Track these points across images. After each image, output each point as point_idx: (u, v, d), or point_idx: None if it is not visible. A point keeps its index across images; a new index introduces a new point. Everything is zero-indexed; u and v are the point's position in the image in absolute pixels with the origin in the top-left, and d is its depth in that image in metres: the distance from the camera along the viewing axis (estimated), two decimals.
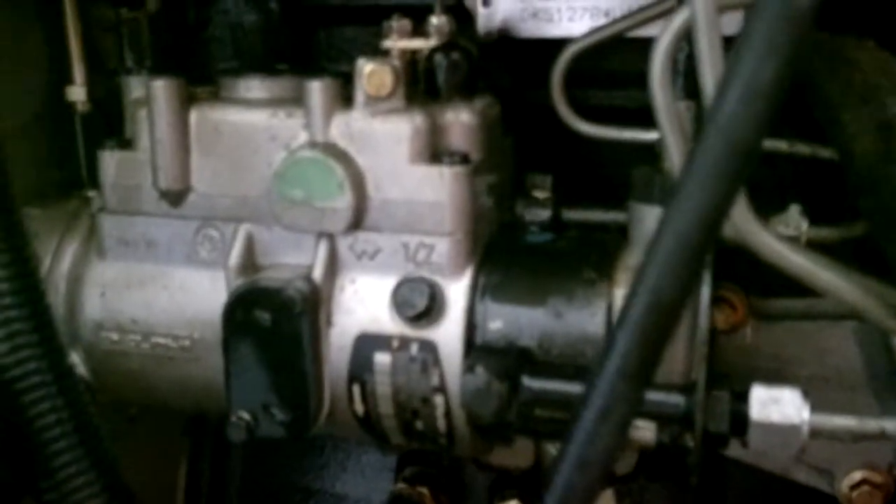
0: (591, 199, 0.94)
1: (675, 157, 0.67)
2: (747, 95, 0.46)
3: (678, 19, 0.62)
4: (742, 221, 0.59)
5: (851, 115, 0.69)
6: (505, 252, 0.84)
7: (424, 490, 1.12)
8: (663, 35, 0.62)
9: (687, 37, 0.66)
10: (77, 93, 0.99)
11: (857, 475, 0.93)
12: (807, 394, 0.70)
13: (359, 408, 0.83)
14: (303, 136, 0.82)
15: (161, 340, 0.89)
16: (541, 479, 1.01)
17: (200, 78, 0.94)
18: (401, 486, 1.14)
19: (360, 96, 0.80)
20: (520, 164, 0.97)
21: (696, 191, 0.49)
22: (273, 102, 0.85)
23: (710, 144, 0.48)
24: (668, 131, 0.66)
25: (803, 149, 0.92)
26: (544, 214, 0.91)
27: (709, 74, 0.54)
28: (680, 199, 0.49)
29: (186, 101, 0.85)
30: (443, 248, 0.80)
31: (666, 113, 0.64)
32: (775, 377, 0.99)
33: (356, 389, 0.83)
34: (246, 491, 1.35)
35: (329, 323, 0.83)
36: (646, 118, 0.93)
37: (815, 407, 0.71)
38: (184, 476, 1.25)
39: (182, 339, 0.89)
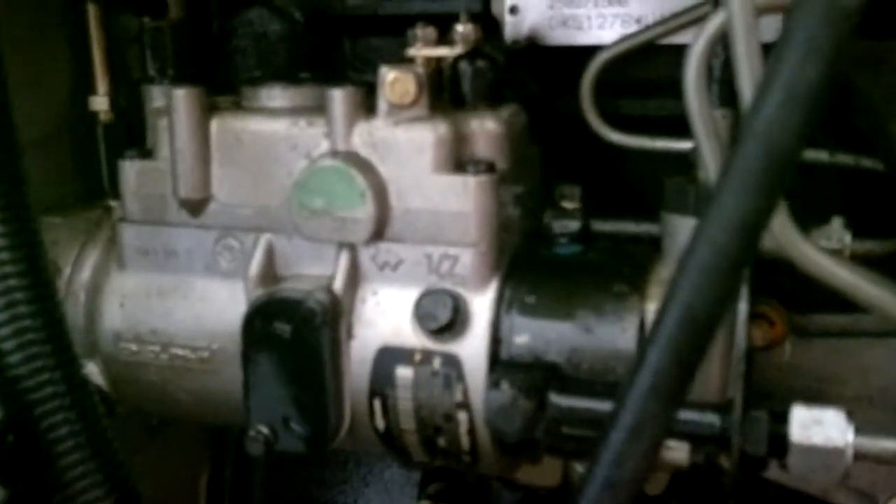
0: (621, 211, 0.91)
1: (710, 166, 0.64)
2: (787, 99, 0.43)
3: (713, 23, 0.59)
4: (782, 233, 0.56)
5: None
6: (532, 264, 0.82)
7: None
8: (698, 40, 0.60)
9: (723, 42, 0.63)
10: (100, 102, 0.98)
11: None
12: (851, 415, 0.66)
13: (380, 423, 0.81)
14: (324, 145, 0.80)
15: (180, 352, 0.88)
16: (569, 500, 0.98)
17: (224, 88, 0.93)
18: (424, 502, 1.12)
19: (382, 104, 0.78)
20: (548, 174, 0.94)
21: (734, 199, 0.46)
22: (294, 111, 0.83)
23: (749, 151, 0.45)
24: (704, 139, 0.63)
25: (845, 159, 0.88)
26: (573, 226, 0.88)
27: (746, 79, 0.51)
28: (716, 208, 0.47)
29: (207, 110, 0.84)
30: (467, 259, 0.78)
31: (701, 120, 0.61)
32: (816, 397, 0.95)
33: (377, 404, 0.81)
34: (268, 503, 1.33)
35: (350, 335, 0.81)
36: (678, 128, 0.91)
37: (860, 428, 0.68)
38: (205, 488, 1.24)
39: (201, 350, 0.87)
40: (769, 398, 0.70)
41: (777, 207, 0.47)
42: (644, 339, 0.74)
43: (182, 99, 0.82)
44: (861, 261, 0.82)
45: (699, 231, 0.48)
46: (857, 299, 0.57)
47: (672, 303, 0.50)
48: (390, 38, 1.09)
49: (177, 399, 0.90)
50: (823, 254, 0.56)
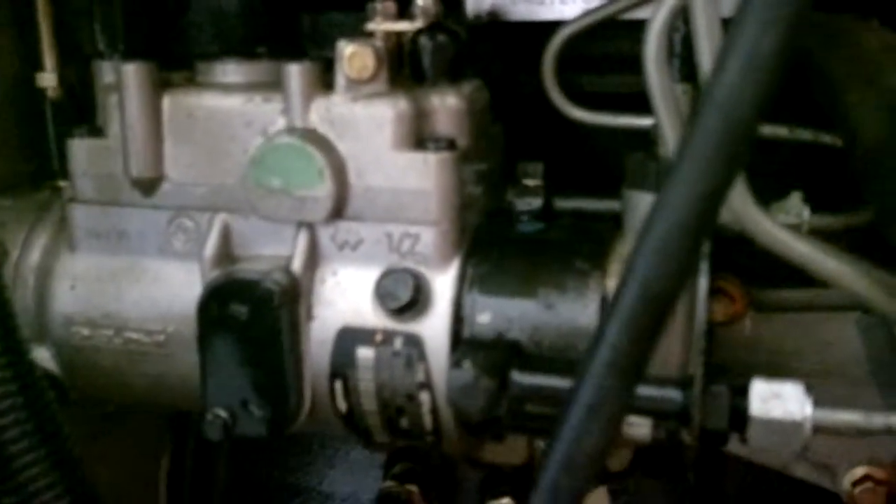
0: (584, 187, 0.91)
1: (670, 142, 0.63)
2: (745, 70, 0.42)
3: None
4: (741, 207, 0.56)
5: (856, 98, 0.65)
6: (494, 242, 0.81)
7: (414, 488, 1.09)
8: (658, 13, 0.59)
9: (683, 16, 0.63)
10: (48, 79, 0.95)
11: (860, 471, 0.89)
12: (810, 388, 0.66)
13: (341, 404, 0.80)
14: (280, 122, 0.78)
15: (134, 336, 0.85)
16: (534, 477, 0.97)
17: (180, 64, 0.90)
18: (389, 483, 1.11)
19: (340, 80, 0.76)
20: (511, 151, 0.93)
21: (692, 173, 0.45)
22: (250, 87, 0.81)
23: (707, 122, 0.44)
24: (664, 115, 0.63)
25: (804, 134, 0.89)
26: (535, 203, 0.88)
27: (706, 51, 0.50)
28: (674, 182, 0.46)
29: (159, 85, 0.81)
30: (428, 237, 0.77)
31: (661, 95, 0.60)
32: (776, 371, 0.95)
33: (338, 386, 0.79)
34: (231, 488, 1.31)
35: (309, 316, 0.79)
36: (641, 104, 0.90)
37: (818, 402, 0.68)
38: (166, 474, 1.21)
39: (156, 333, 0.85)
40: (729, 373, 0.70)
41: (736, 180, 0.47)
42: (603, 314, 0.74)
43: (132, 74, 0.80)
44: (820, 235, 0.82)
45: (657, 205, 0.47)
46: (814, 272, 0.57)
47: (630, 278, 0.49)
48: (350, 13, 1.06)
49: (132, 384, 0.88)
50: (782, 228, 0.56)
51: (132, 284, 0.85)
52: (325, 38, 1.09)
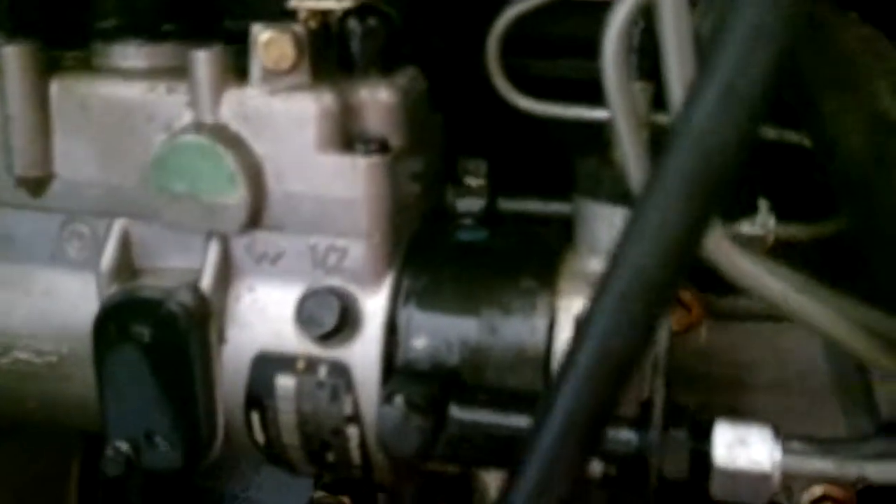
0: (530, 185, 0.83)
1: (629, 156, 0.55)
2: (727, 97, 0.34)
3: None
4: (713, 242, 0.48)
5: (835, 104, 0.58)
6: (432, 254, 0.72)
7: (346, 499, 1.01)
8: (618, 9, 0.50)
9: (645, 11, 0.54)
10: None
11: (818, 490, 0.85)
12: (778, 431, 0.60)
13: (259, 437, 0.71)
14: (187, 116, 0.68)
15: (23, 356, 0.75)
16: (471, 486, 0.90)
17: (78, 38, 0.79)
18: (320, 494, 1.03)
19: (256, 70, 0.66)
20: (451, 140, 0.84)
21: (661, 219, 0.37)
22: (153, 74, 0.70)
23: (680, 159, 0.36)
24: (623, 123, 0.54)
25: (769, 132, 0.81)
26: (478, 204, 0.79)
27: (675, 64, 0.42)
28: (640, 227, 0.38)
29: (46, 70, 0.70)
30: (357, 252, 0.68)
31: (620, 104, 0.52)
32: (733, 383, 0.90)
33: (255, 416, 0.71)
34: (152, 496, 1.22)
35: (221, 339, 0.70)
36: (594, 92, 0.82)
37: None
38: (76, 487, 1.12)
39: (48, 354, 0.75)
40: (690, 412, 0.64)
41: (712, 224, 0.39)
42: (553, 340, 0.67)
43: (13, 57, 0.69)
44: (784, 246, 0.76)
45: (619, 251, 0.39)
46: (794, 317, 0.50)
47: (588, 334, 0.41)
48: None
49: (23, 406, 0.78)
50: (755, 263, 0.48)
51: (21, 297, 0.75)
52: (245, 9, 0.97)
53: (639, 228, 0.37)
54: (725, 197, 0.37)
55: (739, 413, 0.84)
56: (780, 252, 0.73)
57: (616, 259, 0.38)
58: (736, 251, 0.45)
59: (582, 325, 0.40)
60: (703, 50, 0.34)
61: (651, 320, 0.39)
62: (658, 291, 0.37)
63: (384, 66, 0.70)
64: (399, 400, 0.64)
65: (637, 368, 0.41)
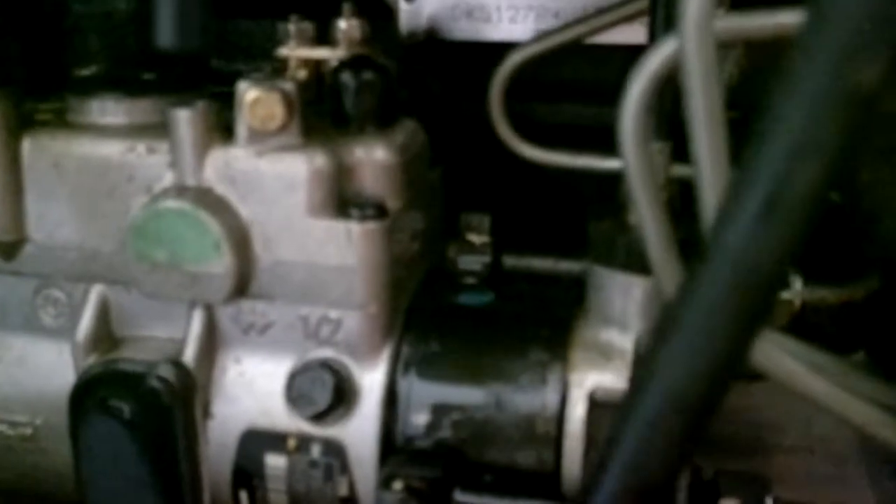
0: (537, 241, 0.78)
1: (649, 231, 0.50)
2: (776, 211, 0.30)
3: (657, 56, 0.45)
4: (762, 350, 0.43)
5: (876, 172, 0.53)
6: (433, 319, 0.67)
7: None
8: (638, 78, 0.45)
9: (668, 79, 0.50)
10: None
11: None
12: None
13: None
14: (168, 178, 0.63)
15: None
16: None
17: (60, 83, 0.74)
18: None
19: (242, 129, 0.61)
20: (452, 193, 0.79)
21: (695, 341, 0.33)
22: (132, 131, 0.65)
23: (715, 277, 0.31)
24: (641, 192, 0.50)
25: None
26: (481, 262, 0.74)
27: (706, 159, 0.37)
28: (671, 349, 0.33)
29: (16, 127, 0.65)
30: (352, 323, 0.63)
31: (639, 176, 0.47)
32: (755, 445, 0.85)
33: (244, 496, 0.66)
34: None
35: (207, 414, 0.65)
36: (601, 137, 0.78)
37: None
38: None
39: (21, 426, 0.70)
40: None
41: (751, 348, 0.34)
42: (565, 417, 0.62)
43: None
44: (813, 310, 0.71)
45: (648, 374, 0.35)
46: (841, 418, 0.46)
47: (613, 459, 0.37)
48: (262, 21, 0.91)
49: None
50: (799, 366, 0.44)
51: None
52: (234, 49, 0.93)
53: (669, 348, 0.32)
54: (764, 317, 0.32)
55: (759, 477, 0.80)
56: (809, 315, 0.68)
57: (644, 378, 0.34)
58: (781, 354, 0.40)
59: (607, 448, 0.35)
60: (743, 156, 0.29)
61: (682, 448, 0.34)
62: (691, 417, 0.33)
63: (381, 121, 0.66)
64: (398, 484, 0.59)
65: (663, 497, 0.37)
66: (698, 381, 0.32)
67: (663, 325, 0.32)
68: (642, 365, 0.34)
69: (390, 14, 0.84)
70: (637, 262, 0.61)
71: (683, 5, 0.34)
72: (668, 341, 0.32)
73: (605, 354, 0.63)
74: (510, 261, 0.76)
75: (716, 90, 0.34)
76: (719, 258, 0.29)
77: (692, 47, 0.33)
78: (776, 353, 0.41)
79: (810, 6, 0.25)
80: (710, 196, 0.35)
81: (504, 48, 0.79)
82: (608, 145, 0.74)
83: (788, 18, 0.36)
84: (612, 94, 0.60)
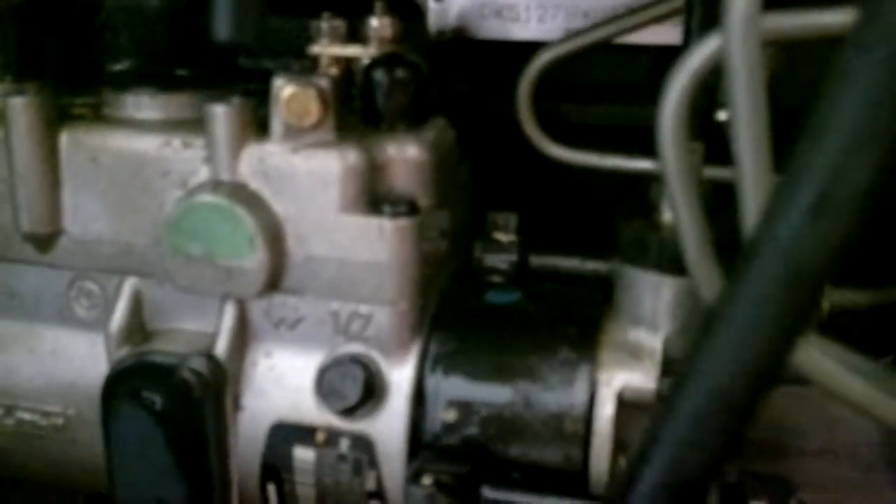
0: (563, 241, 0.78)
1: (686, 230, 0.50)
2: (827, 207, 0.30)
3: (699, 54, 0.45)
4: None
5: None
6: (461, 317, 0.68)
7: None
8: (678, 75, 0.46)
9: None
10: None
11: None
12: None
13: None
14: (204, 172, 0.64)
15: (27, 416, 0.71)
16: None
17: (92, 78, 0.75)
18: None
19: (277, 126, 0.62)
20: (479, 192, 0.80)
21: (740, 338, 0.33)
22: (168, 126, 0.66)
23: (763, 272, 0.32)
24: (680, 195, 0.50)
25: None
26: (508, 261, 0.75)
27: (750, 158, 0.37)
28: (716, 344, 0.33)
29: (55, 121, 0.66)
30: (382, 319, 0.63)
31: (677, 176, 0.47)
32: (775, 450, 0.85)
33: (271, 489, 0.66)
34: None
35: (237, 406, 0.66)
36: (629, 137, 0.78)
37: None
38: None
39: (54, 416, 0.71)
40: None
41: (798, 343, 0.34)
42: (594, 415, 0.63)
43: (21, 109, 0.65)
44: (842, 314, 0.71)
45: (693, 369, 0.35)
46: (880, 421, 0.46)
47: (656, 453, 0.37)
48: (292, 18, 0.92)
49: (27, 466, 0.74)
50: (838, 367, 0.44)
51: (25, 356, 0.71)
52: (263, 47, 0.94)
53: (714, 343, 0.32)
54: (811, 313, 0.32)
55: (783, 481, 0.79)
56: (837, 318, 0.68)
57: (688, 374, 0.34)
58: (820, 354, 0.40)
59: (646, 443, 0.35)
60: (793, 151, 0.29)
61: (725, 445, 0.34)
62: (737, 415, 0.33)
63: (412, 119, 0.66)
64: (427, 479, 0.60)
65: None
66: (743, 377, 0.32)
67: (708, 320, 0.33)
68: (685, 360, 0.34)
69: (419, 13, 0.84)
70: (667, 262, 0.61)
71: (729, 3, 0.34)
72: (713, 336, 0.32)
73: (633, 354, 0.63)
74: (536, 260, 0.76)
75: (760, 89, 0.35)
76: (769, 253, 0.29)
77: (738, 45, 0.34)
78: (814, 354, 0.41)
79: (864, 4, 0.25)
80: (752, 196, 0.35)
81: (533, 47, 0.79)
82: (636, 145, 0.75)
83: (833, 18, 0.37)
84: (641, 94, 0.60)
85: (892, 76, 0.26)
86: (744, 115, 0.35)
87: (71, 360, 0.70)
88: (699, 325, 0.34)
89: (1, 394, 0.71)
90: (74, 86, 0.76)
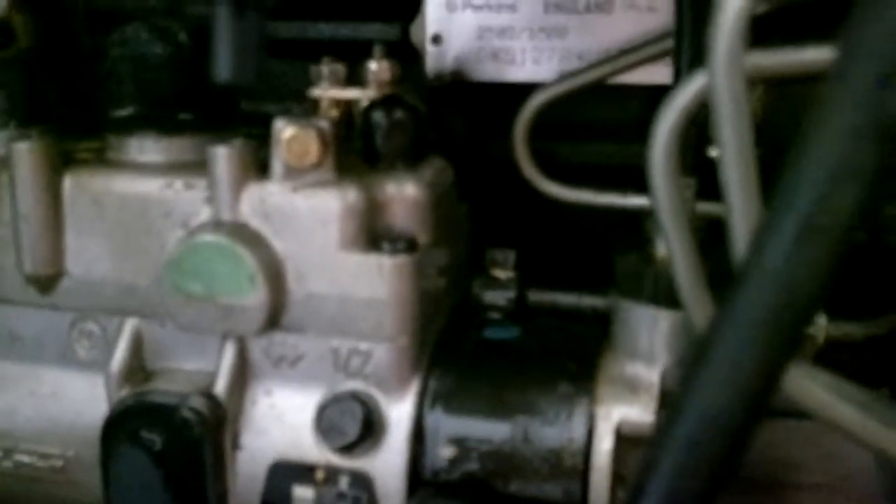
0: (561, 275, 0.79)
1: (678, 263, 0.51)
2: (814, 235, 0.31)
3: (686, 92, 0.46)
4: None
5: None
6: (460, 353, 0.68)
7: None
8: (667, 113, 0.47)
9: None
10: None
11: None
12: None
13: None
14: (205, 213, 0.65)
15: (26, 459, 0.71)
16: None
17: (96, 125, 0.77)
18: None
19: (278, 166, 0.63)
20: (478, 229, 0.81)
21: (735, 359, 0.33)
22: (170, 169, 0.67)
23: (753, 299, 0.32)
24: (672, 229, 0.51)
25: None
26: (506, 297, 0.76)
27: (738, 191, 0.38)
28: (708, 372, 0.34)
29: (59, 164, 0.68)
30: (382, 355, 0.64)
31: (669, 211, 0.48)
32: (771, 484, 0.85)
33: None
34: None
35: (236, 446, 0.66)
36: (622, 175, 0.79)
37: None
38: None
39: (53, 458, 0.71)
40: None
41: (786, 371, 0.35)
42: (591, 452, 0.63)
43: (25, 154, 0.66)
44: (836, 346, 0.72)
45: (686, 396, 0.35)
46: (869, 447, 0.46)
47: (652, 481, 0.37)
48: (293, 62, 0.93)
49: None
50: (827, 392, 0.44)
51: (26, 398, 0.72)
52: (264, 91, 0.95)
53: (709, 373, 0.33)
54: (802, 338, 0.33)
55: None
56: (830, 350, 0.69)
57: (683, 403, 0.34)
58: (814, 384, 0.40)
59: (642, 473, 0.36)
60: (780, 179, 0.30)
61: (722, 466, 0.35)
62: (731, 441, 0.33)
63: (411, 158, 0.67)
64: None
65: None
66: (736, 402, 0.32)
67: (700, 348, 0.33)
68: (679, 388, 0.35)
69: (416, 56, 0.86)
70: (663, 296, 0.62)
71: (713, 41, 0.35)
72: (705, 363, 0.33)
73: (631, 388, 0.64)
74: (534, 296, 0.77)
75: (746, 124, 0.36)
76: (757, 280, 0.30)
77: (722, 82, 0.35)
78: (808, 384, 0.42)
79: (844, 38, 0.27)
80: (741, 228, 0.36)
81: (528, 89, 0.81)
82: (630, 183, 0.76)
83: (815, 55, 0.38)
84: (634, 132, 0.62)
85: (872, 106, 0.27)
86: (730, 149, 0.36)
87: (71, 401, 0.71)
88: (692, 353, 0.35)
89: (1, 436, 0.71)
90: (78, 131, 0.77)
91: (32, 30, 0.78)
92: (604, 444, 0.63)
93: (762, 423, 0.77)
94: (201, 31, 0.91)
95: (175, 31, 0.92)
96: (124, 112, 0.84)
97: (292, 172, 0.63)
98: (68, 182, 0.68)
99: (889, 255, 0.68)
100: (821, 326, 0.70)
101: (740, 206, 0.36)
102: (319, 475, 0.64)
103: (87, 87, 0.92)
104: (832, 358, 0.71)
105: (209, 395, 0.64)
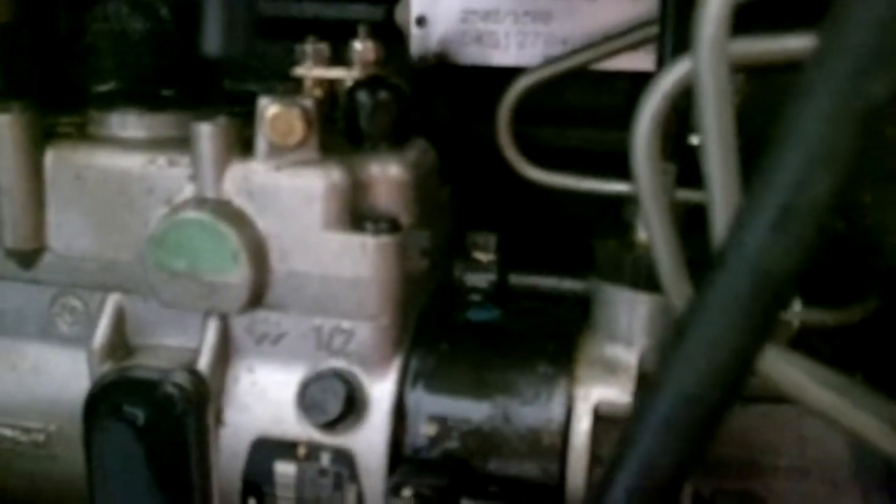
0: (542, 257, 0.80)
1: (659, 248, 0.52)
2: (784, 221, 0.32)
3: (670, 77, 0.47)
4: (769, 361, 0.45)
5: (877, 194, 0.55)
6: (441, 334, 0.69)
7: None
8: (650, 98, 0.48)
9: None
10: None
11: None
12: None
13: None
14: (188, 190, 0.65)
15: (8, 433, 0.72)
16: None
17: (76, 101, 0.76)
18: None
19: (262, 144, 0.63)
20: (460, 212, 0.81)
21: (709, 342, 0.34)
22: (153, 144, 0.67)
23: (730, 282, 0.33)
24: (653, 213, 0.52)
25: None
26: (487, 280, 0.76)
27: (718, 176, 0.39)
28: (686, 350, 0.35)
29: (41, 139, 0.67)
30: (364, 334, 0.64)
31: (650, 195, 0.49)
32: (748, 467, 0.86)
33: (252, 503, 0.67)
34: None
35: (219, 422, 0.66)
36: (604, 160, 0.80)
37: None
38: None
39: (34, 432, 0.71)
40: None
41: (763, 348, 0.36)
42: (570, 431, 0.64)
43: (6, 127, 0.66)
44: (810, 332, 0.73)
45: (664, 375, 0.36)
46: (842, 429, 0.47)
47: (629, 458, 0.38)
48: (276, 42, 0.93)
49: (7, 484, 0.74)
50: (802, 374, 0.45)
51: (7, 372, 0.72)
52: (246, 70, 0.95)
53: (684, 352, 0.34)
54: (776, 319, 0.34)
55: (755, 497, 0.81)
56: (804, 337, 0.70)
57: (660, 377, 0.35)
58: (790, 367, 0.42)
59: (620, 448, 0.37)
60: (759, 165, 0.31)
61: (696, 444, 0.36)
62: (707, 418, 0.34)
63: (394, 139, 0.68)
64: (407, 492, 0.61)
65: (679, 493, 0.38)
66: (712, 381, 0.33)
67: (678, 327, 0.34)
68: (658, 368, 0.35)
69: (401, 38, 0.86)
70: (642, 280, 0.63)
71: (698, 27, 0.36)
72: (683, 343, 0.34)
73: (610, 369, 0.65)
74: (515, 279, 0.77)
75: (728, 110, 0.37)
76: (735, 263, 0.31)
77: (706, 68, 0.35)
78: (783, 366, 0.43)
79: (826, 25, 0.27)
80: (721, 213, 0.37)
81: (512, 73, 0.81)
82: (612, 168, 0.77)
83: (797, 43, 0.39)
84: (616, 118, 0.62)
85: (851, 93, 0.28)
86: (712, 135, 0.36)
87: (53, 376, 0.71)
88: (670, 335, 0.36)
89: None
90: (59, 106, 0.77)
91: (11, 4, 0.77)
92: (582, 425, 0.64)
93: (736, 403, 0.78)
94: (183, 7, 0.90)
95: (156, 6, 0.91)
96: (105, 87, 0.83)
97: (276, 151, 0.63)
98: (50, 157, 0.67)
99: (866, 242, 0.69)
100: (796, 313, 0.71)
101: (721, 192, 0.37)
102: (301, 451, 0.65)
103: (66, 63, 0.91)
104: (805, 343, 0.72)
105: (192, 371, 0.65)
